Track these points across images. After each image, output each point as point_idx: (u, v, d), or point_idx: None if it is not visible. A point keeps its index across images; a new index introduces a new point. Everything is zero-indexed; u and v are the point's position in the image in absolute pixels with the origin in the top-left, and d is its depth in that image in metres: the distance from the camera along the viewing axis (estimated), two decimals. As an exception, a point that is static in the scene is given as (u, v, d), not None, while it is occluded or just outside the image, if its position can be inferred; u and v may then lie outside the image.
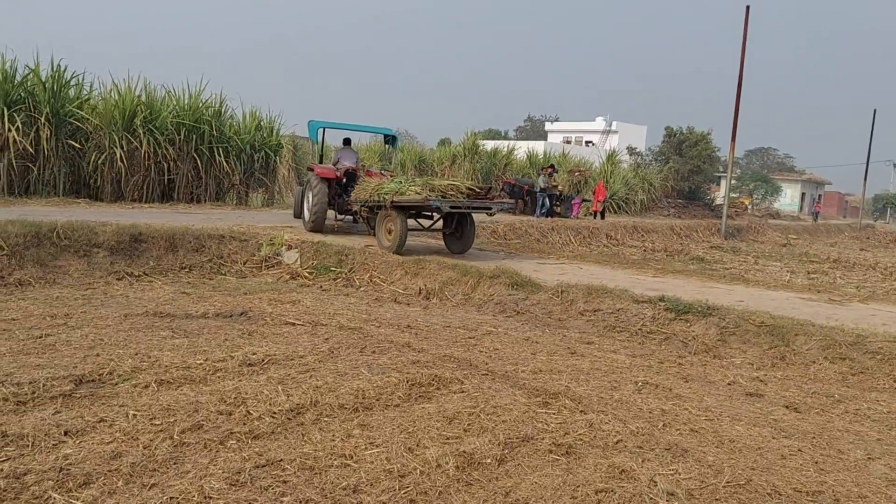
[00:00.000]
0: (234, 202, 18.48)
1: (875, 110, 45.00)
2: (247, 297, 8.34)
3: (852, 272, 18.87)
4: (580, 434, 4.45)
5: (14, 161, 13.93)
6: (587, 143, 65.38)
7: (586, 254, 15.16)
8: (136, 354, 5.47)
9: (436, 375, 5.42)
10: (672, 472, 3.98)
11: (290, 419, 4.35)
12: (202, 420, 4.18)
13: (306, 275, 10.04)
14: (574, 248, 17.81)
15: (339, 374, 5.37)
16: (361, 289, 9.47)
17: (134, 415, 4.18)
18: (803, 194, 70.69)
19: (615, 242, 20.73)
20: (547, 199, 23.05)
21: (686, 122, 47.58)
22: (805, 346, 6.94)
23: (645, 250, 20.00)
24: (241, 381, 5.04)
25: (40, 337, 5.80)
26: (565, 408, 4.92)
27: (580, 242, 19.01)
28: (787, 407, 5.51)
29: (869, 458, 4.50)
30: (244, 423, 4.20)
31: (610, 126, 67.68)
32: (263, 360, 5.58)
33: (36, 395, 4.38)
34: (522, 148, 35.59)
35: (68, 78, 15.24)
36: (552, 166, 25.69)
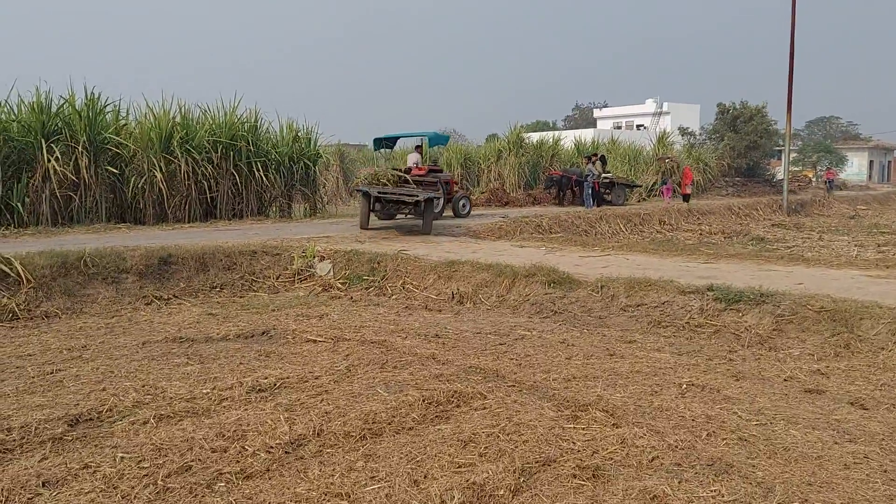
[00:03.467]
0: (277, 215, 18.44)
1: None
2: (274, 314, 8.09)
3: (929, 241, 17.61)
4: (610, 452, 3.97)
5: (57, 191, 14.13)
6: (638, 126, 63.74)
7: (636, 242, 14.47)
8: (143, 387, 5.23)
9: (456, 391, 5.01)
10: (713, 493, 3.48)
11: (288, 453, 4.00)
12: (193, 460, 3.88)
13: (339, 286, 9.76)
14: (625, 236, 17.12)
15: (353, 396, 5.02)
16: (393, 297, 9.12)
17: (122, 458, 3.91)
18: (871, 162, 67.24)
19: (669, 228, 19.89)
20: (590, 188, 22.08)
21: (739, 97, 45.53)
22: (872, 330, 6.26)
23: (701, 234, 19.10)
24: (246, 410, 4.74)
25: (50, 373, 5.63)
26: (596, 421, 4.45)
27: (631, 230, 18.30)
28: (851, 404, 4.90)
29: (951, 463, 3.88)
30: (237, 461, 3.88)
31: (661, 108, 65.70)
32: (275, 385, 5.28)
33: (25, 440, 4.16)
34: (569, 137, 34.77)
35: (103, 105, 15.40)
36: (595, 154, 24.89)
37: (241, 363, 5.94)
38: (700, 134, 41.45)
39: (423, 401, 4.83)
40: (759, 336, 6.61)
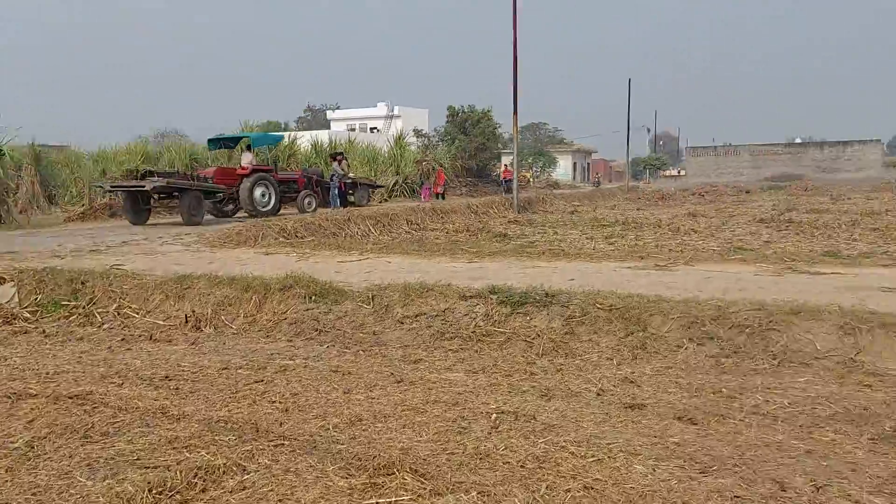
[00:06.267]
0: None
1: (630, 79, 48.32)
2: (-81, 364, 5.70)
3: (643, 231, 19.18)
4: (438, 541, 2.79)
5: None
6: (372, 129, 64.26)
7: (391, 243, 13.61)
8: None
9: (200, 466, 3.48)
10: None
11: None
12: None
13: (27, 315, 7.42)
14: (375, 237, 16.24)
15: (36, 491, 3.25)
16: (105, 326, 7.08)
17: None
18: (574, 163, 75.27)
19: (416, 227, 19.48)
20: (336, 189, 21.16)
21: (465, 102, 47.72)
22: (664, 327, 5.86)
23: (447, 232, 18.92)
24: None
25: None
26: (405, 489, 3.24)
27: (381, 231, 17.51)
28: (679, 419, 4.27)
29: (816, 487, 3.31)
30: None
31: (392, 111, 67.05)
32: None
33: None
34: (305, 137, 33.40)
35: None
36: (341, 153, 23.92)
37: None
38: (433, 136, 42.56)
39: (150, 489, 3.25)
40: (552, 342, 5.91)
